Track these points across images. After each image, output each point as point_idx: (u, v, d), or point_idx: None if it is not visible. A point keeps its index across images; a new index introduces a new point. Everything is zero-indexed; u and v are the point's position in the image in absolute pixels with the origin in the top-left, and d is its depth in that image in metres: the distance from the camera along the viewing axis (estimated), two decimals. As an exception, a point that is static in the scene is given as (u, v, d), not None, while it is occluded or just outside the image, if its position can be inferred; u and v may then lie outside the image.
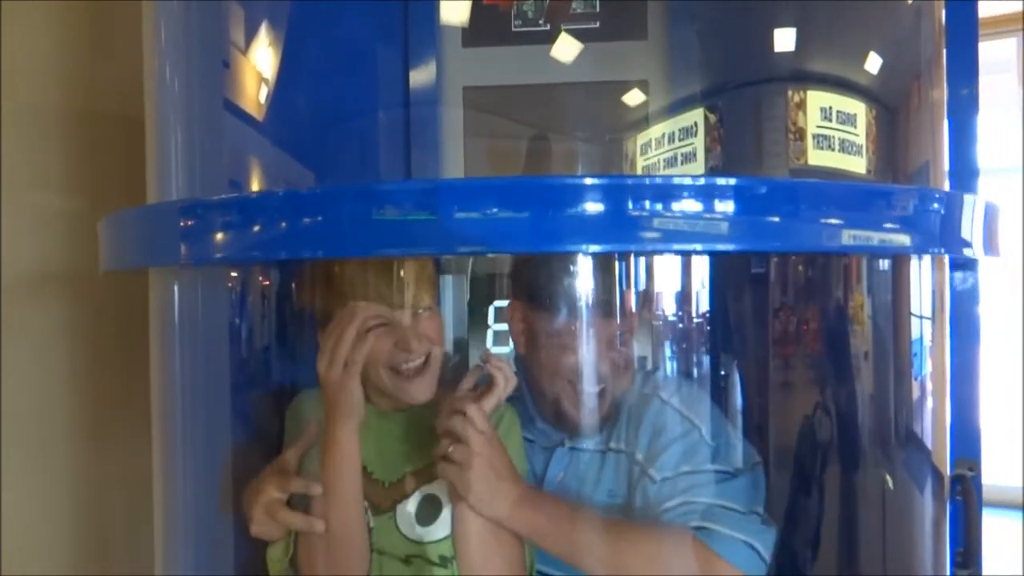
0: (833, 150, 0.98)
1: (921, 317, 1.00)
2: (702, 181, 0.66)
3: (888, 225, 0.66)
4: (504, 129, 1.32)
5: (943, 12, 1.10)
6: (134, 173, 1.14)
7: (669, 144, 1.06)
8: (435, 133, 1.31)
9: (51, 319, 1.38)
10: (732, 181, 0.66)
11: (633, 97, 1.18)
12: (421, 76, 1.31)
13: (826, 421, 1.05)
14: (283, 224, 0.68)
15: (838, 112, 1.01)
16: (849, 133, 1.00)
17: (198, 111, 1.09)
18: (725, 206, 0.63)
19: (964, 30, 1.09)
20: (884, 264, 0.96)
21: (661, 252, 0.69)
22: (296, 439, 0.99)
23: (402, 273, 0.92)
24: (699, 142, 1.02)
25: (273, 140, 1.16)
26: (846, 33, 1.09)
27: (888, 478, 1.04)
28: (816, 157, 0.99)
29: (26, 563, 1.36)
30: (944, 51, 1.09)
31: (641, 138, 1.09)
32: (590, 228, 0.64)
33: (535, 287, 0.91)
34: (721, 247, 0.68)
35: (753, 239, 0.66)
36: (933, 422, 1.04)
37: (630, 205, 0.63)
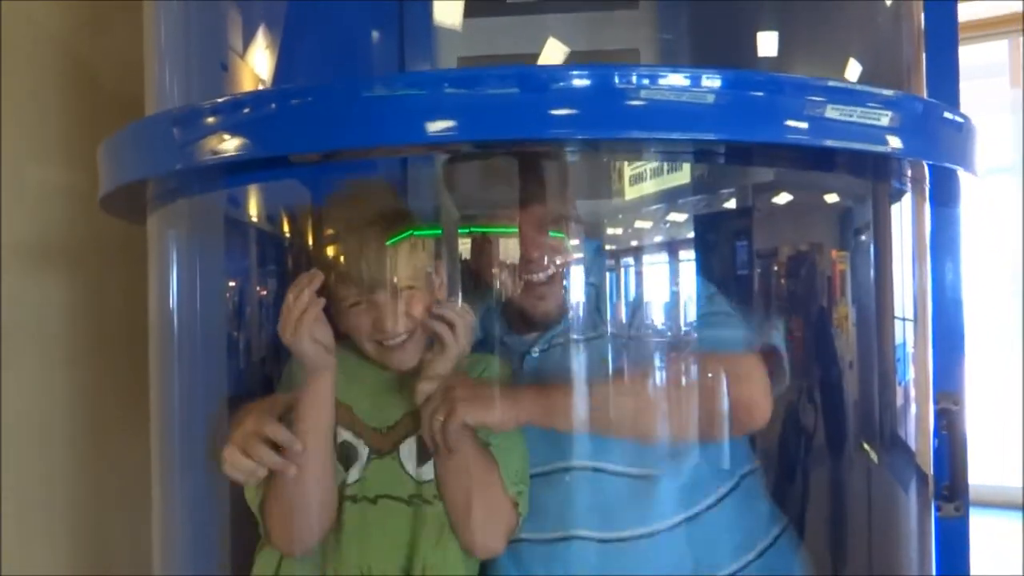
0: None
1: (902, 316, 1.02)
2: (688, 68, 0.68)
3: (871, 104, 0.67)
4: None
5: (922, 16, 1.12)
6: None
7: None
8: None
9: (51, 294, 1.38)
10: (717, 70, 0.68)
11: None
12: (416, 56, 1.33)
13: (810, 400, 1.07)
14: (273, 106, 0.69)
15: None
16: None
17: None
18: (711, 82, 0.64)
19: (944, 34, 1.12)
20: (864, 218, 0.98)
21: (647, 136, 0.70)
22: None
23: (380, 251, 0.94)
24: None
25: None
26: (827, 37, 1.11)
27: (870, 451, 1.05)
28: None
29: (24, 552, 1.34)
30: (924, 55, 1.11)
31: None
32: (578, 104, 0.65)
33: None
34: (706, 135, 0.69)
35: (740, 124, 0.67)
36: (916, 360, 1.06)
37: (616, 81, 0.64)
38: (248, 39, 1.15)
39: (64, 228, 1.38)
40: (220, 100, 0.75)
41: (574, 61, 1.19)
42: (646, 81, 0.64)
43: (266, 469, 0.94)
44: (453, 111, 0.67)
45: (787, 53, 1.08)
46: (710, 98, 0.64)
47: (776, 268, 1.00)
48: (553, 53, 1.12)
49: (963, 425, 1.11)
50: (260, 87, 1.12)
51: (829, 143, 0.71)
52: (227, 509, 1.08)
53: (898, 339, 1.08)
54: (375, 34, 1.34)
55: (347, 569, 0.98)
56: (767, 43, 1.08)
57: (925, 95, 1.09)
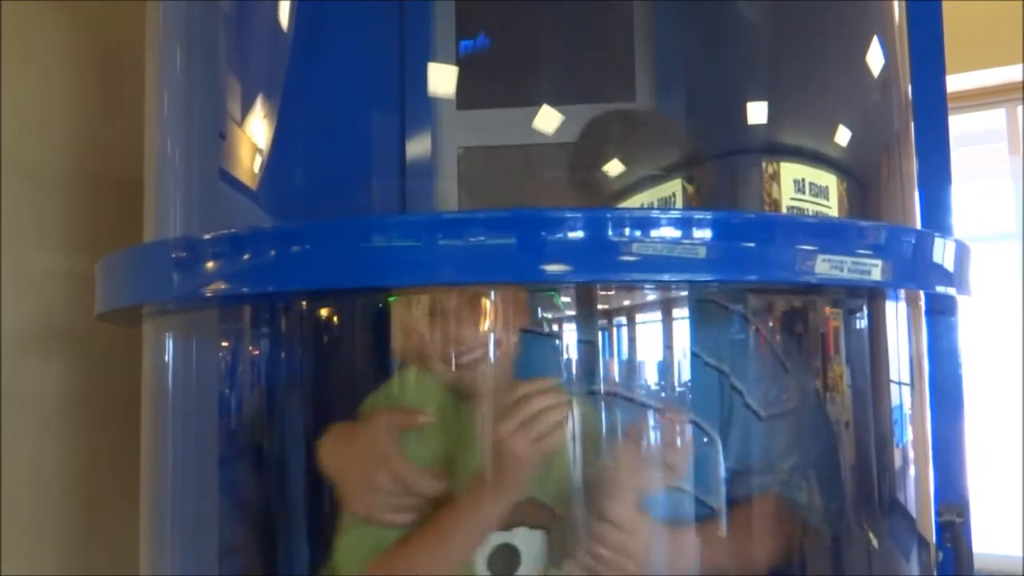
0: None
1: (900, 383, 1.02)
2: (679, 214, 0.69)
3: (861, 252, 0.68)
4: (498, 194, 1.35)
5: (909, 87, 1.13)
6: (136, 233, 1.16)
7: None
8: (429, 201, 1.34)
9: (51, 379, 1.38)
10: (709, 215, 0.69)
11: (615, 167, 1.22)
12: (417, 139, 1.35)
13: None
14: (272, 253, 0.70)
15: (811, 184, 1.04)
16: (822, 205, 1.03)
17: (196, 181, 1.12)
18: (702, 233, 0.65)
19: (933, 101, 1.14)
20: (861, 323, 0.98)
21: (640, 282, 0.71)
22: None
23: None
24: None
25: (267, 210, 1.18)
26: (816, 106, 1.13)
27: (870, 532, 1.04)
28: None
29: None
30: (912, 124, 1.13)
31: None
32: (572, 256, 0.66)
33: None
34: (700, 277, 0.70)
35: (730, 267, 0.68)
36: (916, 481, 1.05)
37: (610, 233, 0.65)
38: (246, 109, 1.17)
39: (65, 312, 1.38)
40: (217, 236, 0.76)
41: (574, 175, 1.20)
42: (638, 233, 0.65)
43: None
44: (448, 260, 0.68)
45: (778, 126, 1.09)
46: (701, 251, 0.65)
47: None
48: (547, 120, 1.14)
49: (969, 536, 1.09)
50: (257, 157, 1.13)
51: (819, 283, 0.71)
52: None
53: (897, 459, 1.07)
54: (375, 115, 1.36)
55: None
56: (757, 113, 1.10)
57: (915, 163, 1.10)
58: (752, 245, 0.66)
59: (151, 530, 1.12)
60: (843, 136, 1.10)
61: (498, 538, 0.88)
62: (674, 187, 1.09)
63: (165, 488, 1.10)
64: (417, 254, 0.67)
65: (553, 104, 1.24)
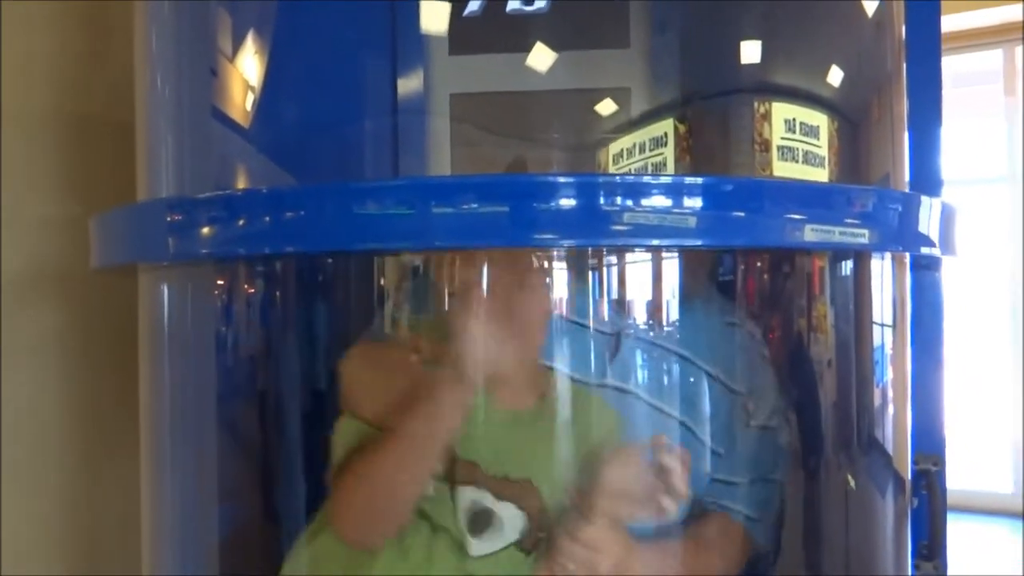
0: (797, 162, 1.01)
1: (883, 325, 1.03)
2: (670, 179, 0.69)
3: (849, 221, 0.69)
4: (490, 136, 1.34)
5: (903, 27, 1.13)
6: (127, 177, 1.15)
7: (640, 154, 1.09)
8: (422, 141, 1.33)
9: (45, 324, 1.39)
10: (699, 180, 0.69)
11: (607, 106, 1.21)
12: (408, 83, 1.34)
13: (786, 426, 1.09)
14: (267, 219, 0.70)
15: (801, 124, 1.04)
16: (812, 145, 1.03)
17: (188, 119, 1.10)
18: (693, 202, 0.66)
19: (926, 43, 1.13)
20: (846, 268, 0.99)
21: (631, 247, 0.72)
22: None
23: None
24: (669, 152, 1.04)
25: (259, 147, 1.17)
26: (809, 46, 1.12)
27: (849, 477, 1.07)
28: (780, 168, 1.02)
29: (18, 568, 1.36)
30: (904, 64, 1.13)
31: (613, 148, 1.12)
32: (563, 223, 0.67)
33: None
34: (690, 242, 0.71)
35: (720, 234, 0.69)
36: (894, 422, 1.08)
37: (602, 201, 0.66)
38: (237, 45, 1.16)
39: (57, 257, 1.38)
40: (212, 198, 0.77)
41: (564, 100, 1.20)
42: (629, 202, 0.66)
43: None
44: (442, 226, 0.69)
45: (770, 65, 1.09)
46: (691, 220, 0.66)
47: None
48: (541, 58, 1.13)
49: (943, 485, 1.13)
50: (249, 94, 1.13)
51: (808, 247, 0.73)
52: (217, 517, 1.09)
53: (876, 399, 1.10)
54: (366, 56, 1.35)
55: None
56: (750, 53, 1.10)
57: (906, 104, 1.10)
58: (742, 215, 0.67)
59: (152, 473, 1.15)
60: (835, 76, 1.10)
61: (487, 502, 0.91)
62: (666, 127, 1.09)
63: (164, 433, 1.12)
64: (410, 221, 0.68)
65: (548, 50, 1.23)
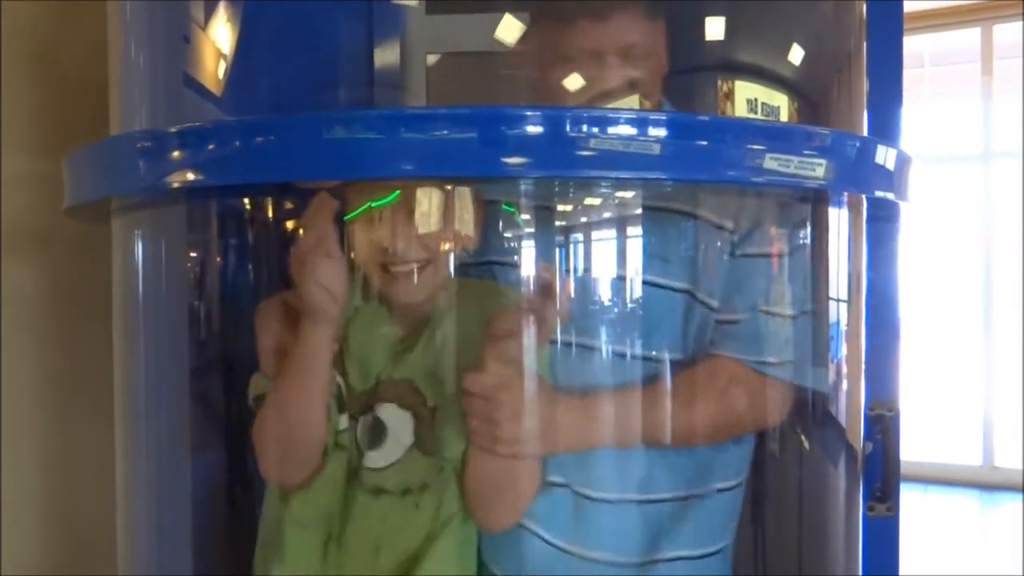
0: None
1: (839, 278, 1.07)
2: (635, 113, 0.71)
3: (807, 152, 0.71)
4: (467, 97, 1.35)
5: (864, 7, 1.15)
6: (100, 135, 1.15)
7: None
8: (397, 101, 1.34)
9: (19, 281, 1.39)
10: (664, 114, 0.71)
11: (575, 81, 1.22)
12: (385, 49, 1.34)
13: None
14: (237, 143, 0.71)
15: (763, 104, 1.06)
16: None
17: (161, 86, 1.11)
18: (657, 131, 0.68)
19: (887, 23, 1.15)
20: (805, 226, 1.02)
21: (596, 178, 0.74)
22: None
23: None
24: None
25: (232, 115, 1.17)
26: (771, 27, 1.14)
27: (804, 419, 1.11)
28: None
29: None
30: (865, 44, 1.14)
31: None
32: (531, 150, 0.69)
33: None
34: (653, 175, 0.73)
35: (683, 166, 0.71)
36: (848, 360, 1.11)
37: (568, 128, 0.68)
38: (209, 12, 1.15)
39: (31, 213, 1.37)
40: (183, 128, 0.77)
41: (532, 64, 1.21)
42: (596, 130, 0.68)
43: None
44: (410, 152, 0.70)
45: (734, 44, 1.11)
46: (656, 148, 0.68)
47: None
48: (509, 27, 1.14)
49: (897, 430, 1.17)
50: (221, 62, 1.13)
51: (767, 183, 0.75)
52: (191, 494, 1.11)
53: (831, 346, 1.13)
54: (342, 20, 1.35)
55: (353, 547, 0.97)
56: (714, 30, 1.12)
57: (865, 85, 1.13)
58: (704, 143, 0.69)
59: (125, 428, 1.15)
60: (796, 56, 1.12)
61: (377, 413, 0.96)
62: (631, 103, 1.11)
63: (138, 384, 1.12)
64: (380, 146, 0.69)
65: (522, 10, 1.24)
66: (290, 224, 1.08)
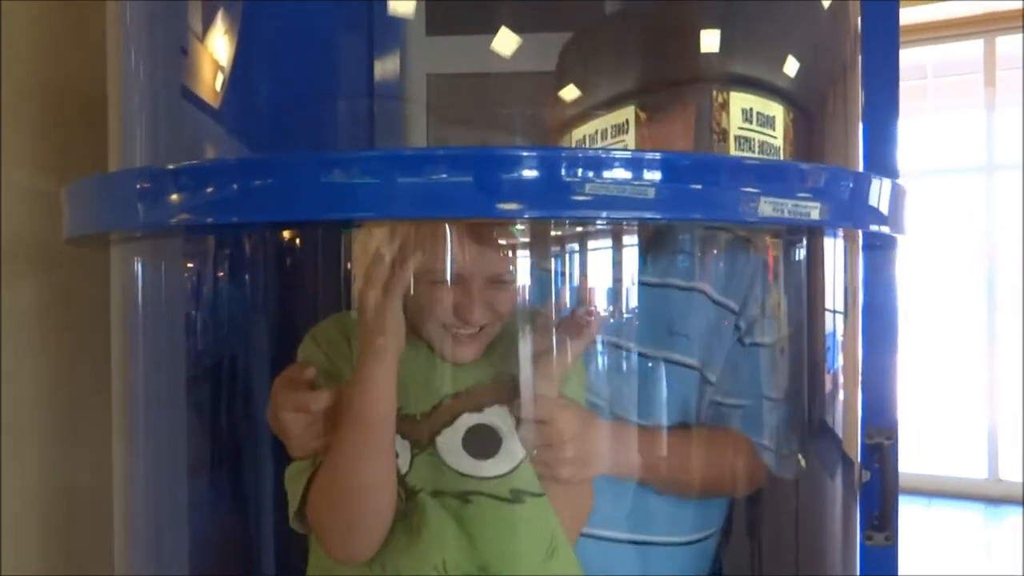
0: (753, 151, 1.03)
1: (835, 309, 1.07)
2: (630, 153, 0.72)
3: (801, 195, 0.72)
4: (467, 117, 1.36)
5: (859, 20, 1.16)
6: (102, 151, 1.16)
7: (602, 140, 1.11)
8: (398, 122, 1.34)
9: (22, 295, 1.39)
10: (658, 154, 0.72)
11: (570, 92, 1.23)
12: (385, 63, 1.34)
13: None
14: (235, 187, 0.72)
15: (758, 114, 1.07)
16: (768, 135, 1.06)
17: (161, 98, 1.11)
18: (652, 175, 0.69)
19: (883, 37, 1.16)
20: (799, 255, 1.03)
21: (592, 219, 0.74)
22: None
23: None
24: (630, 139, 1.07)
25: (230, 128, 1.17)
26: (766, 38, 1.14)
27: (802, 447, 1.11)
28: None
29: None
30: (860, 57, 1.15)
31: (576, 134, 1.15)
32: (527, 195, 0.69)
33: None
34: (648, 215, 0.73)
35: (677, 207, 0.72)
36: (845, 399, 1.11)
37: (563, 173, 0.68)
38: (208, 22, 1.16)
39: (32, 229, 1.38)
40: (181, 168, 0.78)
41: (540, 80, 1.21)
42: (591, 174, 0.68)
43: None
44: (408, 195, 0.71)
45: (729, 55, 1.11)
46: (650, 192, 0.68)
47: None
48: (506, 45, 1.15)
49: (895, 458, 1.17)
50: (219, 74, 1.13)
51: (761, 222, 0.75)
52: (188, 513, 1.11)
53: (828, 376, 1.13)
54: (342, 36, 1.35)
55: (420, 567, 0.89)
56: (710, 42, 1.12)
57: (861, 97, 1.14)
58: (699, 187, 0.70)
59: (124, 445, 1.16)
60: (791, 67, 1.13)
61: (469, 419, 0.90)
62: (627, 114, 1.11)
63: (136, 405, 1.13)
64: (376, 190, 0.70)
65: (523, 32, 1.24)
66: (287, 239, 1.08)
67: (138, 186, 0.78)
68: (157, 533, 1.15)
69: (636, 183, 0.68)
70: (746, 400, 1.02)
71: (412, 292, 0.85)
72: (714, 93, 1.06)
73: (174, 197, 0.75)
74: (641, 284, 0.94)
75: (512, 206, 0.69)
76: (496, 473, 0.89)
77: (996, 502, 4.92)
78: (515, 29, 1.22)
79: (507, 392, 0.90)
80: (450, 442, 0.89)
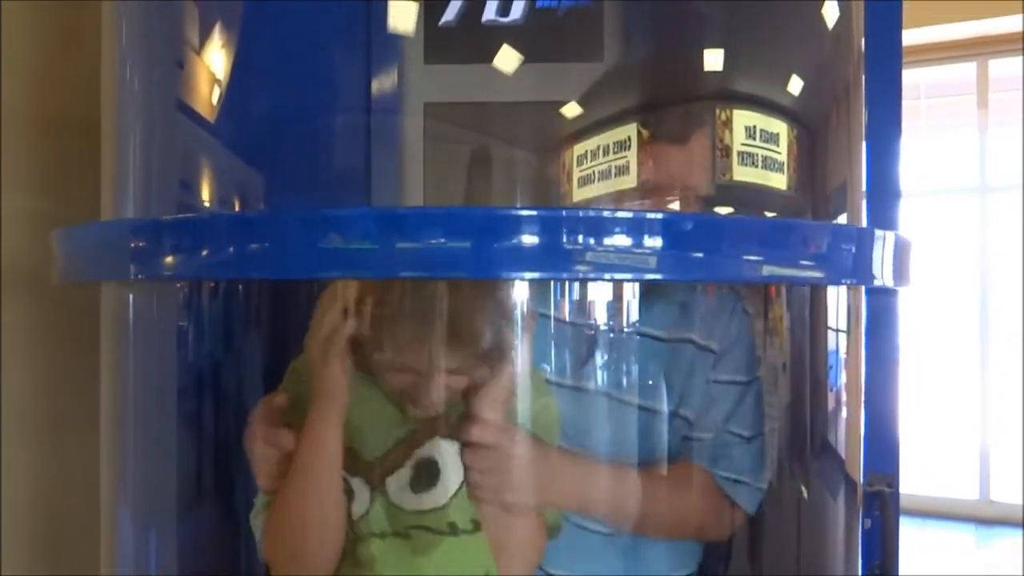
0: (756, 167, 1.03)
1: (837, 349, 1.06)
2: (631, 215, 0.70)
3: (804, 262, 0.71)
4: (465, 138, 1.35)
5: (863, 40, 1.16)
6: (96, 174, 1.15)
7: (604, 156, 1.10)
8: (394, 140, 1.33)
9: (14, 321, 1.38)
10: (660, 216, 0.71)
11: (572, 109, 1.22)
12: (383, 90, 1.33)
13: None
14: (231, 249, 0.70)
15: (761, 131, 1.06)
16: (772, 151, 1.06)
17: (156, 112, 1.10)
18: (653, 242, 0.67)
19: (886, 57, 1.16)
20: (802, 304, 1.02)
21: (594, 280, 0.73)
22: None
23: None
24: (632, 156, 1.06)
25: (225, 143, 1.16)
26: (770, 57, 1.14)
27: (802, 488, 1.10)
28: (740, 173, 1.04)
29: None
30: (863, 76, 1.15)
31: (578, 149, 1.14)
32: (527, 258, 0.68)
33: None
34: (649, 276, 0.72)
35: (679, 271, 0.71)
36: (847, 433, 1.10)
37: (564, 239, 0.67)
38: (204, 37, 1.15)
39: (28, 251, 1.37)
40: (176, 223, 0.76)
41: (537, 111, 1.21)
42: (592, 240, 0.67)
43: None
44: (406, 258, 0.70)
45: (732, 74, 1.11)
46: (652, 261, 0.67)
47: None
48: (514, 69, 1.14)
49: (896, 506, 1.15)
50: (215, 88, 1.12)
51: (765, 281, 0.74)
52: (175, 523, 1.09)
53: (829, 421, 1.12)
54: (339, 55, 1.34)
55: None
56: (713, 61, 1.12)
57: (864, 115, 1.13)
58: (700, 255, 0.69)
59: (111, 483, 1.14)
60: (795, 86, 1.12)
61: (416, 455, 0.91)
62: (629, 131, 1.11)
63: (127, 437, 1.12)
64: (374, 255, 0.69)
65: (522, 62, 1.23)
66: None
67: (132, 244, 0.76)
68: (146, 560, 1.14)
69: (637, 251, 0.67)
70: (711, 433, 1.00)
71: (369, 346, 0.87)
72: (717, 110, 1.06)
73: (168, 259, 0.73)
74: (620, 332, 0.93)
75: (511, 272, 0.68)
76: (433, 506, 0.91)
77: (988, 523, 4.91)
78: (513, 59, 1.22)
79: (453, 423, 0.91)
80: (398, 481, 0.92)
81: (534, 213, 0.70)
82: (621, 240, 0.67)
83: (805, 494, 1.11)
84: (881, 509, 1.15)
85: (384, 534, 0.93)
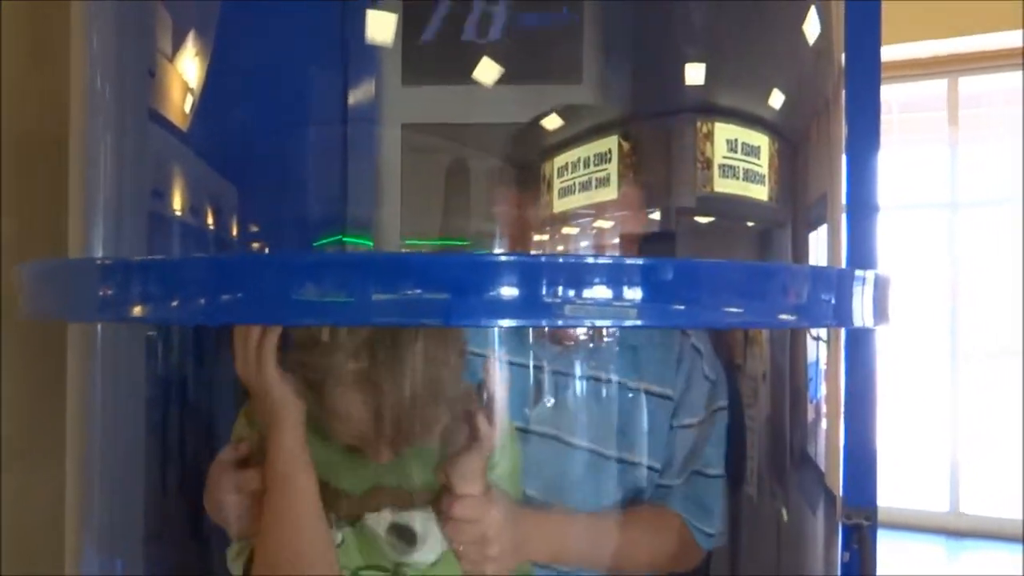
0: (738, 179, 1.04)
1: (817, 380, 1.06)
2: (610, 262, 0.70)
3: (783, 314, 0.70)
4: (442, 157, 1.34)
5: (843, 56, 1.17)
6: (65, 193, 1.12)
7: (584, 168, 1.10)
8: (372, 151, 1.32)
9: None
10: (640, 263, 0.70)
11: (552, 121, 1.22)
12: (358, 98, 1.32)
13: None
14: (201, 301, 0.69)
15: (743, 144, 1.07)
16: (753, 164, 1.06)
17: (127, 121, 1.08)
18: (633, 293, 0.67)
19: (866, 72, 1.17)
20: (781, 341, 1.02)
21: (574, 327, 0.72)
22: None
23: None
24: (613, 168, 1.06)
25: (198, 152, 1.14)
26: (751, 71, 1.15)
27: (779, 519, 1.10)
28: (722, 185, 1.05)
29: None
30: (843, 91, 1.16)
31: (559, 161, 1.13)
32: (505, 309, 0.67)
33: None
34: (629, 323, 0.71)
35: (658, 319, 0.70)
36: (826, 465, 1.10)
37: (544, 291, 0.66)
38: (177, 45, 1.13)
39: None
40: (146, 265, 0.74)
41: (515, 133, 1.20)
42: (571, 293, 0.66)
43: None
44: (384, 308, 0.68)
45: (714, 88, 1.11)
46: (632, 312, 0.66)
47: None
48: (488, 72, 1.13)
49: (874, 539, 1.16)
50: (188, 97, 1.10)
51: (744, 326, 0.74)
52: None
53: (808, 454, 1.12)
54: (315, 66, 1.33)
55: None
56: (694, 75, 1.12)
57: (843, 130, 1.15)
58: (681, 307, 0.68)
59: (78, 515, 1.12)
60: (776, 99, 1.13)
61: (391, 515, 0.92)
62: (610, 143, 1.11)
63: (92, 471, 1.10)
64: (349, 307, 0.67)
65: (499, 83, 1.23)
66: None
67: (100, 293, 0.74)
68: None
69: (617, 304, 0.66)
70: (680, 480, 1.01)
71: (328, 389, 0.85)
72: (699, 123, 1.06)
73: (137, 308, 0.71)
74: (582, 380, 0.93)
75: (491, 320, 0.67)
76: (423, 561, 0.92)
77: (958, 535, 4.96)
78: (491, 80, 1.21)
79: (427, 494, 0.92)
80: (378, 526, 0.92)
81: (514, 265, 0.69)
82: (601, 292, 0.66)
83: (782, 525, 1.11)
84: (859, 543, 1.15)
85: (361, 564, 0.92)
